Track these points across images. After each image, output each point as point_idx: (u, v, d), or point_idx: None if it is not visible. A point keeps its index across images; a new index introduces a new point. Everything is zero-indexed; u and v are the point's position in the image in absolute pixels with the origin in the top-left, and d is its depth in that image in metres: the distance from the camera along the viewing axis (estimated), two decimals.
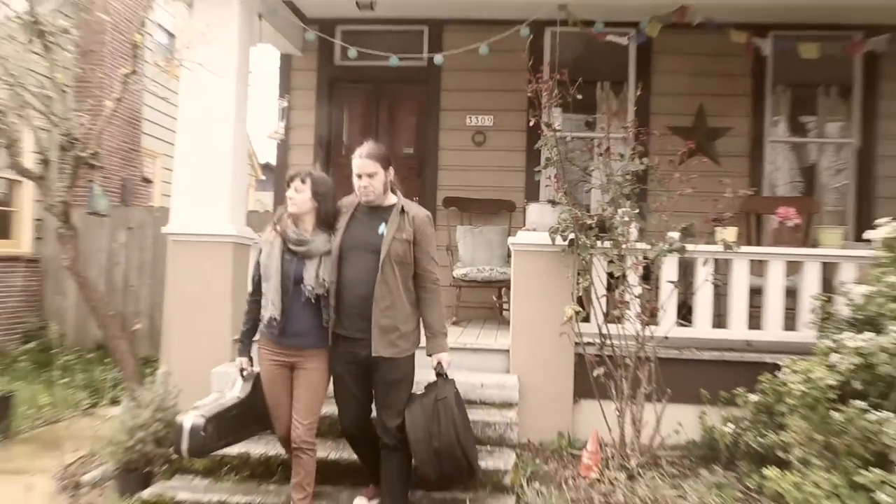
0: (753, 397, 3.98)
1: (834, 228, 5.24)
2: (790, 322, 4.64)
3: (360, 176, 3.19)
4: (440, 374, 3.25)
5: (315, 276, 3.14)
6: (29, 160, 4.64)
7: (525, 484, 3.74)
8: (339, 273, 3.17)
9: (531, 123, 4.46)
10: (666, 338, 4.22)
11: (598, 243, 4.21)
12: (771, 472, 3.36)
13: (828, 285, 4.55)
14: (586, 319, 4.39)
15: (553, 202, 4.68)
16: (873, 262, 4.09)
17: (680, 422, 4.24)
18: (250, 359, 3.37)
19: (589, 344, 4.27)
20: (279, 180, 6.86)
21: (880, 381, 3.37)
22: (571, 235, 4.24)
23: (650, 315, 4.13)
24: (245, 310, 3.37)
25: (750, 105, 6.54)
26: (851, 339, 3.50)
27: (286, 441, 3.28)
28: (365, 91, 6.91)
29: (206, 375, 4.42)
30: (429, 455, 3.07)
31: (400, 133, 6.96)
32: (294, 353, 3.20)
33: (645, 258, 4.22)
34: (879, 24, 5.62)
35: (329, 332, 3.19)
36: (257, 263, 3.29)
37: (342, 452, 3.66)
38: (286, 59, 6.92)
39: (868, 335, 3.47)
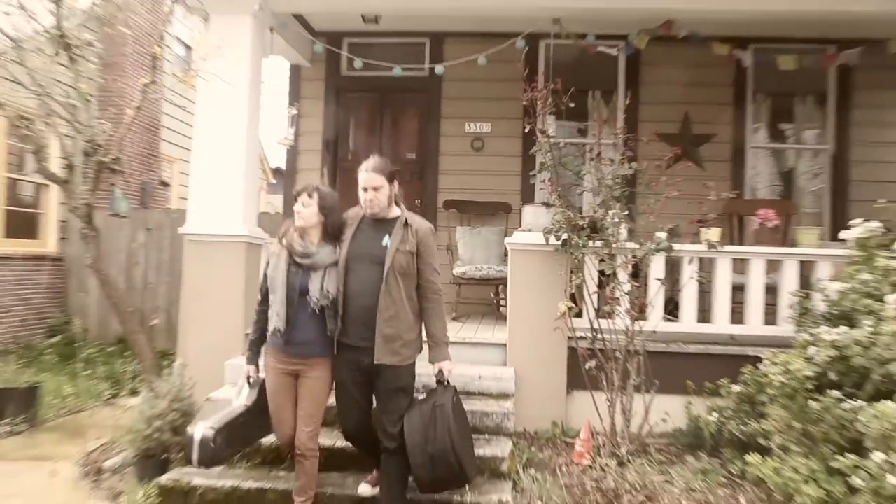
0: (736, 388, 3.98)
1: (811, 229, 5.23)
2: (770, 317, 4.63)
3: (365, 189, 3.12)
4: (440, 381, 3.18)
5: (320, 287, 3.07)
6: (55, 165, 4.65)
7: (521, 470, 3.74)
8: (345, 284, 3.11)
9: (527, 130, 4.46)
10: (654, 332, 4.22)
11: (590, 243, 4.21)
12: (752, 458, 3.36)
13: (805, 282, 4.55)
14: (579, 315, 4.38)
15: (547, 204, 4.68)
16: (848, 260, 4.09)
17: (667, 411, 4.23)
18: (257, 367, 3.29)
19: (581, 338, 4.27)
20: (289, 184, 6.87)
21: (854, 372, 3.37)
22: (565, 236, 4.24)
23: (639, 311, 4.13)
24: (254, 319, 3.28)
25: (732, 113, 6.53)
26: (827, 333, 3.51)
27: (288, 447, 3.23)
28: (370, 99, 6.90)
29: (219, 367, 4.42)
30: (424, 459, 3.00)
31: (403, 139, 6.94)
32: (299, 361, 3.12)
33: (634, 257, 4.22)
34: (852, 39, 5.63)
35: (333, 341, 3.12)
36: (265, 275, 3.23)
37: (348, 442, 3.63)
38: (296, 70, 6.90)
39: (843, 329, 3.48)
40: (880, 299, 3.51)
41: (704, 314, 4.75)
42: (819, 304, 4.10)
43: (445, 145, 6.71)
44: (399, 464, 3.13)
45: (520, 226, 5.06)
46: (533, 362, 4.45)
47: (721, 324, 4.62)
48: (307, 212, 3.14)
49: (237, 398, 3.28)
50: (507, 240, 4.75)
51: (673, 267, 4.60)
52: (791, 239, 5.41)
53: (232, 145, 4.85)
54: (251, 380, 3.28)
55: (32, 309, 7.41)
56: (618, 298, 4.17)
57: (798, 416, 3.32)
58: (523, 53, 5.52)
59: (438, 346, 3.19)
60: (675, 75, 6.39)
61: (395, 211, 3.22)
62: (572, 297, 4.39)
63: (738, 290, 4.73)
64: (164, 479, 3.55)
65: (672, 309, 4.68)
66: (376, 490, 3.33)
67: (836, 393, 3.24)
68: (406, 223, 3.15)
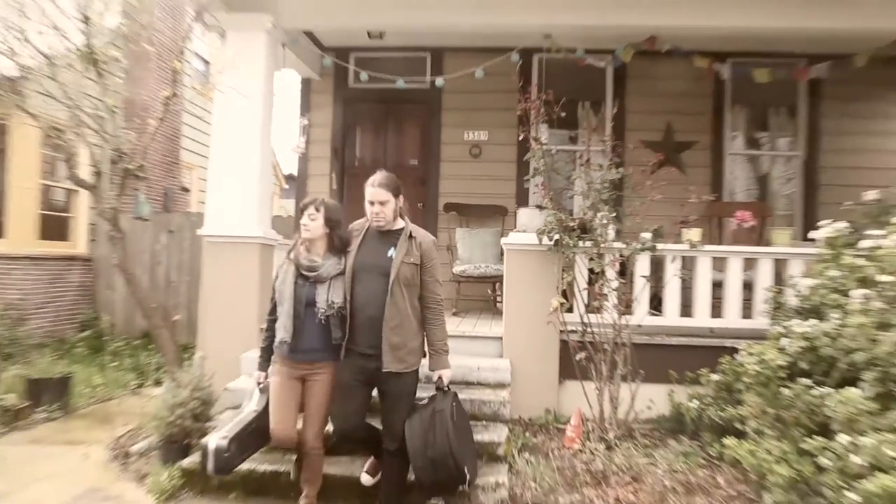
0: (715, 377, 3.99)
1: (784, 230, 5.23)
2: (747, 311, 4.64)
3: (372, 203, 3.06)
4: (440, 388, 3.12)
5: (326, 298, 3.02)
6: (84, 172, 4.65)
7: (516, 454, 3.75)
8: (352, 293, 3.04)
9: (521, 138, 4.47)
10: (639, 326, 4.24)
11: (580, 243, 4.22)
12: (730, 441, 3.37)
13: (779, 279, 4.56)
14: (570, 310, 4.38)
15: (540, 207, 4.68)
16: (817, 258, 4.09)
17: (652, 399, 4.25)
18: (267, 373, 3.23)
19: (572, 331, 4.28)
20: (300, 188, 6.88)
21: (823, 361, 3.38)
22: (556, 236, 4.24)
23: (626, 306, 4.14)
24: (264, 328, 3.21)
25: (711, 122, 6.53)
26: (799, 326, 3.52)
27: (281, 444, 3.13)
28: (375, 110, 6.90)
29: (236, 359, 4.44)
30: (424, 463, 2.95)
31: (406, 146, 6.94)
32: (305, 367, 3.08)
33: (621, 256, 4.23)
34: (821, 54, 5.65)
35: (338, 348, 3.06)
36: (273, 288, 3.17)
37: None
38: (306, 83, 6.91)
39: (813, 322, 3.49)
40: (846, 294, 3.52)
41: (686, 309, 4.76)
42: (791, 299, 4.10)
43: (446, 152, 6.72)
44: (399, 466, 3.10)
45: (515, 227, 5.08)
46: (527, 354, 4.46)
47: (701, 318, 4.62)
48: (314, 225, 3.08)
49: (248, 403, 3.22)
50: (503, 240, 4.76)
51: (657, 265, 4.61)
52: (766, 239, 5.42)
53: (247, 153, 4.85)
54: (261, 385, 3.21)
55: (65, 305, 7.43)
56: (606, 294, 4.18)
57: (771, 403, 3.33)
58: (517, 66, 5.54)
59: (439, 355, 3.12)
60: (659, 87, 6.39)
61: (400, 223, 3.15)
62: (564, 294, 4.40)
63: (717, 286, 4.75)
64: (186, 462, 3.58)
65: (656, 304, 4.68)
66: (377, 478, 3.27)
67: (805, 381, 3.25)
68: (410, 235, 3.08)
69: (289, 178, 17.47)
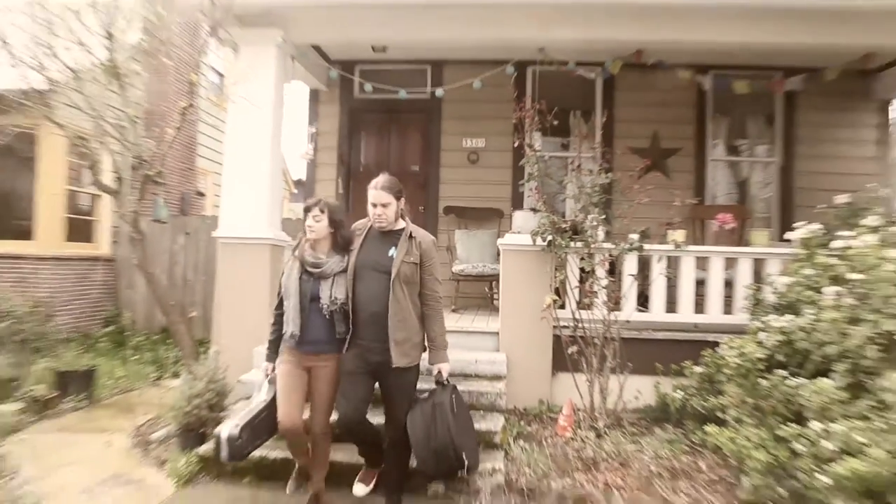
0: (698, 369, 3.99)
1: (762, 231, 5.25)
2: (728, 307, 4.65)
3: (374, 205, 3.03)
4: (439, 381, 3.09)
5: (329, 294, 2.99)
6: (107, 178, 4.67)
7: (512, 442, 3.77)
8: (354, 290, 3.01)
9: (516, 145, 4.48)
10: (628, 321, 4.24)
11: (572, 244, 4.23)
12: (711, 429, 3.37)
13: (758, 277, 4.56)
14: (562, 306, 4.40)
15: (534, 210, 4.69)
16: (793, 257, 4.10)
17: (639, 390, 4.26)
18: (275, 365, 3.19)
19: (564, 327, 4.29)
20: (309, 193, 6.90)
21: (798, 354, 3.39)
22: (550, 237, 4.26)
23: (614, 302, 4.15)
24: (271, 321, 3.19)
25: (694, 130, 6.54)
26: (776, 321, 3.53)
27: (288, 433, 3.05)
28: (379, 119, 6.91)
29: (248, 353, 4.45)
30: (427, 453, 2.93)
31: (408, 153, 6.95)
32: (311, 358, 3.05)
33: (610, 256, 4.24)
34: (795, 67, 5.68)
35: (342, 341, 3.04)
36: (280, 283, 3.14)
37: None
38: (314, 93, 6.92)
39: (789, 317, 3.50)
40: (820, 291, 3.53)
41: (672, 305, 4.77)
42: (769, 296, 4.12)
43: (445, 158, 6.73)
44: (400, 453, 3.09)
45: (511, 229, 5.09)
46: (522, 348, 4.47)
47: (686, 313, 4.64)
48: (319, 226, 3.05)
49: (258, 394, 3.21)
50: (499, 241, 4.77)
51: (644, 264, 4.62)
52: (745, 239, 5.43)
53: (258, 159, 4.86)
54: (269, 377, 3.18)
55: (89, 303, 7.45)
56: (596, 292, 4.19)
57: (750, 393, 3.34)
58: (513, 78, 5.56)
59: (438, 350, 3.10)
60: (645, 97, 6.40)
61: (401, 224, 3.12)
62: (556, 291, 4.41)
63: (701, 284, 4.75)
64: (202, 449, 3.60)
65: (643, 301, 4.68)
66: (370, 488, 3.19)
67: (782, 372, 3.26)
68: (410, 236, 3.05)
69: (298, 183, 17.48)
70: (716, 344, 4.00)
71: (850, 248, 3.52)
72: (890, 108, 6.51)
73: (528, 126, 4.33)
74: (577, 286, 4.39)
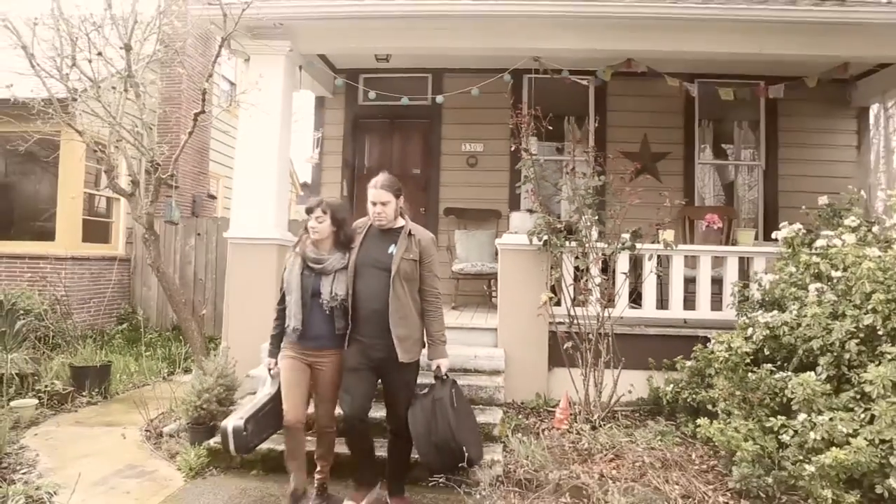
0: (689, 363, 3.98)
1: (748, 231, 5.25)
2: (717, 304, 4.63)
3: (374, 203, 2.96)
4: (438, 377, 3.01)
5: (330, 290, 2.92)
6: (123, 181, 4.65)
7: (510, 434, 3.72)
8: (355, 287, 2.93)
9: (513, 149, 4.48)
10: (621, 318, 4.23)
11: (567, 243, 4.22)
12: (702, 421, 3.36)
13: (744, 275, 4.56)
14: (558, 304, 4.39)
15: (531, 211, 4.69)
16: (777, 256, 4.10)
17: (632, 384, 4.23)
18: (277, 360, 3.11)
19: (560, 323, 4.27)
20: (314, 195, 6.86)
21: (784, 348, 3.39)
22: (545, 237, 4.24)
23: (608, 300, 4.13)
24: (274, 317, 3.09)
25: (683, 135, 6.53)
26: (762, 317, 3.52)
27: (292, 424, 2.93)
28: (382, 124, 6.89)
29: (256, 349, 4.38)
30: (429, 448, 2.87)
31: (409, 157, 6.94)
32: (313, 353, 2.97)
33: (603, 255, 4.23)
34: (778, 76, 5.66)
35: (343, 337, 2.97)
36: (282, 279, 3.06)
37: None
38: (320, 100, 6.91)
39: (774, 313, 3.50)
40: (804, 288, 3.52)
41: (663, 302, 4.76)
42: (755, 293, 4.11)
43: (445, 162, 6.71)
44: (402, 446, 3.04)
45: (508, 229, 5.07)
46: (519, 344, 4.44)
47: (676, 310, 4.62)
48: (322, 227, 2.97)
49: (263, 388, 3.15)
50: (497, 241, 4.75)
51: (636, 263, 4.61)
52: (732, 239, 5.43)
53: (267, 164, 4.84)
54: (272, 371, 3.10)
55: (105, 301, 7.42)
56: (590, 290, 4.17)
57: (739, 386, 3.32)
58: (509, 85, 5.53)
59: (437, 345, 3.01)
60: (636, 103, 6.40)
61: (400, 222, 3.05)
62: (552, 289, 4.40)
63: (690, 282, 4.75)
64: (212, 442, 3.56)
65: (636, 298, 4.67)
66: None
67: (769, 366, 3.26)
68: (410, 233, 2.98)
69: (304, 185, 17.43)
70: (706, 339, 3.99)
71: (831, 246, 3.52)
72: (868, 114, 6.52)
73: (525, 131, 4.32)
74: (571, 284, 4.37)
